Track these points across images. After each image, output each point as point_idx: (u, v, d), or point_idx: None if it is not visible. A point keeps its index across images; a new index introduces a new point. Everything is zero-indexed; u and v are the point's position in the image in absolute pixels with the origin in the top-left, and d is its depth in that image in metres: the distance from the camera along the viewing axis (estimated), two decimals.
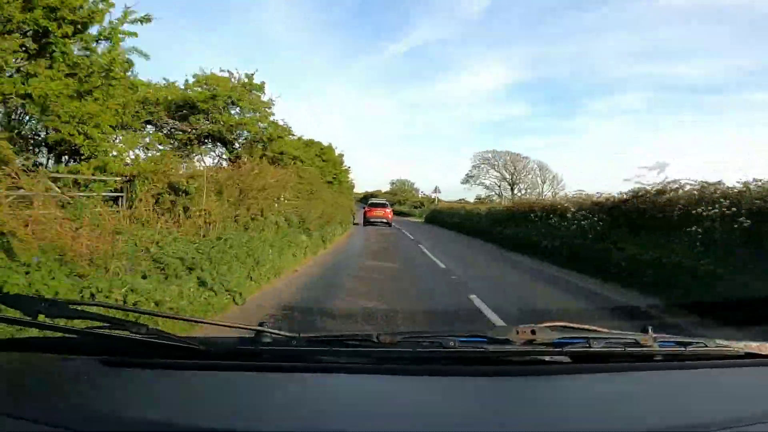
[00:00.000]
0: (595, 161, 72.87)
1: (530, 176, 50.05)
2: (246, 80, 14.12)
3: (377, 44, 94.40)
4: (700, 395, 1.16)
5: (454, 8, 76.26)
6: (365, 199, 49.38)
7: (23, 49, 6.37)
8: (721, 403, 1.10)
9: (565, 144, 75.89)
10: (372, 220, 25.79)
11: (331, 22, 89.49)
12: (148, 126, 12.44)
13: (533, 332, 1.19)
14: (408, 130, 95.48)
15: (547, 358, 1.18)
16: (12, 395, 0.95)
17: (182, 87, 13.63)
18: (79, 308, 1.15)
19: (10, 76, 6.38)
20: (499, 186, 50.51)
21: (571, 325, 1.30)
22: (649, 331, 1.31)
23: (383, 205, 27.88)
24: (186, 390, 1.05)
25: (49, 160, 8.20)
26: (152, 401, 0.98)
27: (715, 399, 1.13)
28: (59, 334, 1.16)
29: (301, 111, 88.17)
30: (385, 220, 25.88)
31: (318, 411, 0.96)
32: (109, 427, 0.83)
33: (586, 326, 1.32)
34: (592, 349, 1.23)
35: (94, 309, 1.22)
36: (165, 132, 12.93)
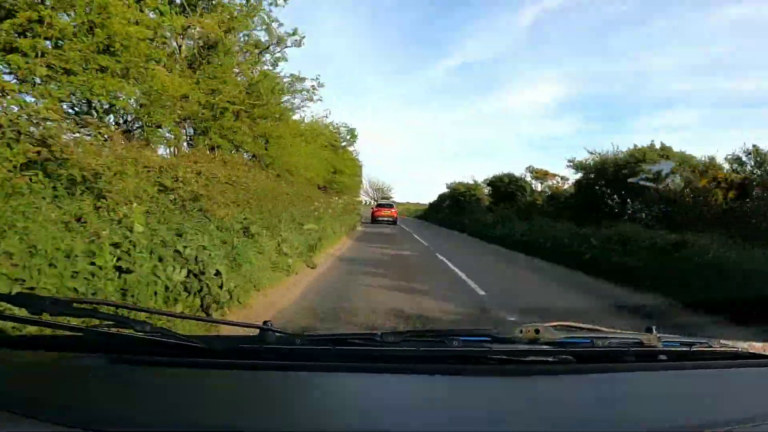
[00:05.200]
0: None
1: None
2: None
3: (428, 61, 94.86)
4: (705, 395, 1.16)
5: (504, 25, 75.70)
6: (437, 204, 46.40)
7: None
8: (726, 403, 1.10)
9: None
10: (379, 219, 27.64)
11: (381, 44, 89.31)
12: None
13: (537, 331, 1.19)
14: (459, 144, 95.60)
15: (550, 358, 1.18)
16: (17, 393, 0.95)
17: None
18: (83, 306, 1.15)
19: None
20: None
21: (576, 324, 1.30)
22: (654, 330, 1.31)
23: (389, 206, 30.43)
24: (190, 388, 1.05)
25: None
26: (156, 399, 0.98)
27: (719, 399, 1.13)
28: (63, 333, 1.17)
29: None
30: (390, 219, 27.77)
31: (321, 410, 0.96)
32: (114, 425, 0.83)
33: (591, 326, 1.31)
34: (596, 349, 1.23)
35: (98, 307, 1.23)
36: None
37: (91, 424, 0.82)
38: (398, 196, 63.59)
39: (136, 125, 7.66)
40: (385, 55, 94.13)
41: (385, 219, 27.47)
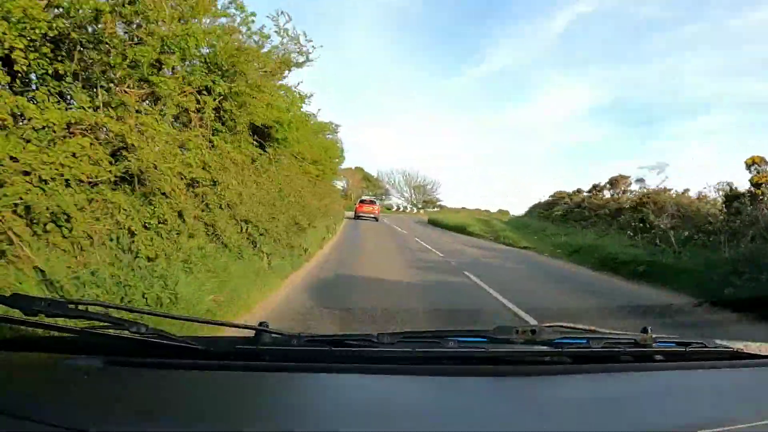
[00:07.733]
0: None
1: None
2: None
3: (458, 68, 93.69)
4: (700, 395, 1.16)
5: (535, 31, 75.06)
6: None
7: None
8: (720, 403, 1.10)
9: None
10: (361, 214, 28.20)
11: (412, 48, 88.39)
12: None
13: (533, 332, 1.19)
14: (488, 152, 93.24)
15: (547, 359, 1.18)
16: (12, 395, 0.95)
17: None
18: (79, 307, 1.14)
19: None
20: None
21: (572, 325, 1.30)
22: (649, 331, 1.31)
23: (372, 202, 30.85)
24: (186, 390, 1.05)
25: None
26: (152, 401, 0.98)
27: (714, 399, 1.13)
28: (59, 334, 1.16)
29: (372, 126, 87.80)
30: (372, 215, 28.40)
31: (318, 411, 0.96)
32: (109, 427, 0.83)
33: (587, 326, 1.32)
34: (592, 350, 1.23)
35: (94, 308, 1.22)
36: None
37: (87, 426, 0.82)
38: (450, 200, 59.94)
39: None
40: (414, 61, 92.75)
41: (367, 215, 28.24)
